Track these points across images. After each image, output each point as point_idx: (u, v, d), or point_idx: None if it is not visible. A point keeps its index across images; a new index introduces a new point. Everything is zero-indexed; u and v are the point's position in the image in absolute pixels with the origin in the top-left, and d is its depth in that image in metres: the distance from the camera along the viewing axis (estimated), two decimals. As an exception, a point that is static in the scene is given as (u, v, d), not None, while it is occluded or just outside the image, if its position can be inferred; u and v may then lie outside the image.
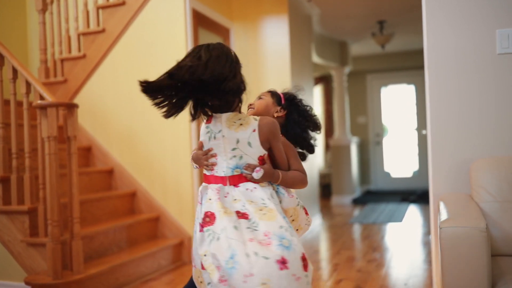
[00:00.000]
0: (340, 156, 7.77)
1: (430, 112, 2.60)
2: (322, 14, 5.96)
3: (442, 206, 2.01)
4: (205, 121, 1.64)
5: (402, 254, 4.01)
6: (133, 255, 3.45)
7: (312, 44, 5.92)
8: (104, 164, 4.22)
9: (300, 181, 1.71)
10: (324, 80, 9.12)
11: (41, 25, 4.48)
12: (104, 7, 4.26)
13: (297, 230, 1.71)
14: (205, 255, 1.52)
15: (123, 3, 4.18)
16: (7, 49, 3.23)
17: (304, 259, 1.49)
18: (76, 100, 4.33)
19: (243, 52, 4.94)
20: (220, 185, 1.59)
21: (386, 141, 9.07)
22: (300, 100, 1.88)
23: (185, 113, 1.63)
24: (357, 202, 7.57)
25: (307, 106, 1.89)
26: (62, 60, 4.41)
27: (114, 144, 4.24)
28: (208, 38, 4.51)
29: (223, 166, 1.59)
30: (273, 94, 1.84)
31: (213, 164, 1.61)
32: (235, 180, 1.59)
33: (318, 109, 9.27)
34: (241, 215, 1.53)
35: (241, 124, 1.58)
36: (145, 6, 4.12)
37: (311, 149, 1.89)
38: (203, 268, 1.53)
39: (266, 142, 1.60)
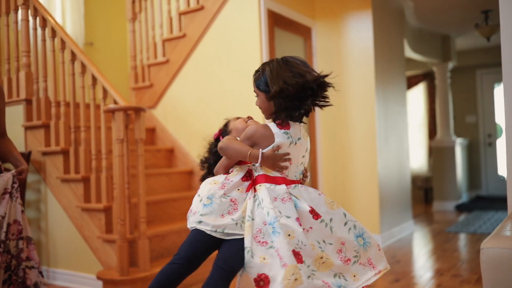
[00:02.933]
0: (443, 159, 7.21)
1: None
2: (415, 6, 5.57)
3: None
4: (277, 125, 1.75)
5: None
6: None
7: (404, 39, 5.55)
8: (184, 165, 4.36)
9: None
10: (428, 77, 8.55)
11: (131, 33, 4.77)
12: (185, 13, 4.40)
13: None
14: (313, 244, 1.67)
15: (201, 8, 4.28)
16: (88, 58, 3.46)
17: None
18: (160, 104, 4.53)
19: (326, 51, 4.79)
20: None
21: (500, 142, 8.23)
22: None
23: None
24: (461, 208, 6.96)
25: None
26: (149, 66, 4.64)
27: (194, 145, 4.35)
28: (286, 38, 4.44)
29: (295, 171, 1.77)
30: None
31: (286, 168, 1.74)
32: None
33: (421, 109, 8.72)
34: (315, 214, 1.70)
35: (307, 135, 1.84)
36: (221, 10, 4.17)
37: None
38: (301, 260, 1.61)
39: None
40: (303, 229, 1.63)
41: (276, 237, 1.59)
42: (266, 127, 1.74)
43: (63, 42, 3.57)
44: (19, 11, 3.80)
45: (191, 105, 4.35)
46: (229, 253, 1.68)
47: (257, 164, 1.73)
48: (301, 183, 1.78)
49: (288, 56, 1.77)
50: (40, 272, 2.38)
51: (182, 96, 4.41)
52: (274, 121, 1.78)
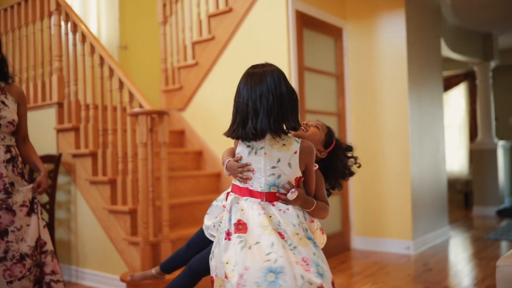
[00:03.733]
0: (483, 162, 6.92)
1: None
2: (453, 4, 5.37)
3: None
4: None
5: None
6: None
7: (441, 38, 5.36)
8: (213, 168, 4.36)
9: (325, 212, 1.75)
10: (469, 77, 8.23)
11: (162, 36, 4.82)
12: (214, 15, 4.40)
13: None
14: (227, 263, 1.57)
15: (230, 10, 4.26)
16: (116, 62, 3.51)
17: (333, 284, 1.56)
18: (189, 106, 4.55)
19: (357, 52, 4.68)
20: (259, 200, 1.63)
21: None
22: (344, 150, 1.96)
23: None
24: (503, 214, 6.66)
25: (349, 157, 1.97)
26: (179, 68, 4.67)
27: (222, 148, 4.34)
28: (316, 39, 4.37)
29: (260, 182, 1.62)
30: (329, 133, 1.91)
31: (248, 178, 1.64)
32: (271, 197, 1.63)
33: (461, 110, 8.42)
34: (238, 229, 1.60)
35: (284, 145, 1.61)
36: (249, 12, 4.14)
37: (331, 190, 1.97)
38: (226, 277, 1.56)
39: (304, 165, 1.64)
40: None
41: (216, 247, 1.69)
42: None
43: (92, 47, 3.64)
44: (52, 17, 3.91)
45: (219, 107, 4.35)
46: (201, 253, 1.91)
47: (226, 174, 1.74)
48: (279, 197, 1.61)
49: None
50: (64, 286, 2.46)
51: (211, 99, 4.42)
52: None
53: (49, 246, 2.43)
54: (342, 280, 3.55)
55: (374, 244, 4.56)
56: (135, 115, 3.10)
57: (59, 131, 3.83)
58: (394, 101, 4.49)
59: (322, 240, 1.80)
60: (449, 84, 8.24)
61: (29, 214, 2.39)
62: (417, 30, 4.70)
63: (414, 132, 4.51)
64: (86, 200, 3.64)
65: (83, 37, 3.69)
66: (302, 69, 4.08)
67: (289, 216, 1.60)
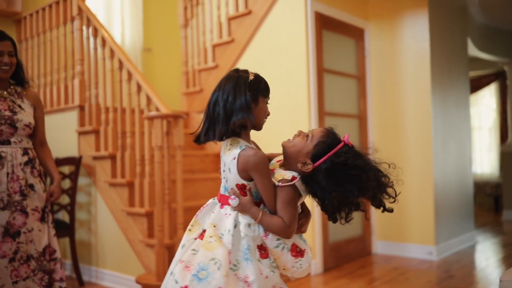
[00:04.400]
0: (514, 165, 6.71)
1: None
2: (481, 2, 5.21)
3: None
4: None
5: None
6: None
7: (468, 38, 5.22)
8: (232, 170, 4.35)
9: (276, 230, 1.50)
10: (501, 77, 7.99)
11: (183, 39, 4.86)
12: (234, 18, 4.40)
13: (284, 269, 1.57)
14: None
15: (249, 13, 4.26)
16: (134, 66, 3.55)
17: None
18: (209, 108, 4.55)
19: (379, 53, 4.60)
20: (214, 199, 1.63)
21: None
22: (347, 166, 1.54)
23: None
24: (535, 219, 6.44)
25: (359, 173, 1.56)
26: (200, 71, 4.70)
27: (241, 150, 4.34)
28: (336, 40, 4.32)
29: (224, 186, 1.59)
30: (318, 144, 1.55)
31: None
32: (223, 200, 1.57)
33: (492, 111, 8.18)
34: (201, 235, 1.55)
35: (229, 149, 1.54)
36: (268, 14, 4.12)
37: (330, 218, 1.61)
38: None
39: (244, 172, 1.51)
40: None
41: None
42: None
43: (112, 51, 3.69)
44: (75, 22, 3.98)
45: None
46: None
47: None
48: (228, 201, 1.55)
49: None
50: None
51: (230, 101, 4.41)
52: None
53: (58, 254, 2.50)
54: (360, 285, 3.49)
55: (396, 248, 4.47)
56: (151, 119, 3.12)
57: (80, 133, 3.90)
58: (417, 103, 4.39)
59: (293, 263, 1.55)
60: (479, 84, 8.01)
61: (41, 220, 2.45)
62: (442, 30, 4.58)
63: (438, 135, 4.40)
64: (106, 201, 3.70)
65: (103, 41, 3.75)
66: (321, 71, 4.04)
67: (227, 221, 1.52)
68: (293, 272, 1.56)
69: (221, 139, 1.55)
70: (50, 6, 4.24)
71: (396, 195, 1.68)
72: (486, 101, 8.25)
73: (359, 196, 1.59)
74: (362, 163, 1.58)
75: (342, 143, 1.57)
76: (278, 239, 1.52)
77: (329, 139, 1.57)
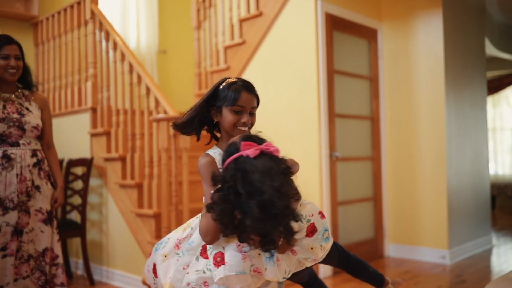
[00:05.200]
0: (537, 167, 6.53)
1: None
2: (500, 1, 5.10)
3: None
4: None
5: None
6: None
7: (486, 37, 5.11)
8: (243, 172, 4.36)
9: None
10: (524, 76, 7.80)
11: (196, 41, 4.89)
12: (245, 20, 4.41)
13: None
14: None
15: (260, 14, 4.26)
16: (144, 69, 3.59)
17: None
18: (221, 110, 4.57)
19: (393, 53, 4.55)
20: None
21: None
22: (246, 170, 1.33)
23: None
24: (557, 222, 6.26)
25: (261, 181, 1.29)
26: (212, 73, 4.72)
27: (252, 152, 4.34)
28: (348, 42, 4.28)
29: None
30: (225, 150, 1.47)
31: None
32: None
33: (515, 111, 7.99)
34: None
35: None
36: (279, 16, 4.12)
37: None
38: None
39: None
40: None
41: None
42: None
43: (122, 54, 3.74)
44: (88, 25, 4.05)
45: (249, 111, 4.34)
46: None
47: None
48: None
49: None
50: None
51: (241, 103, 4.42)
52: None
53: (60, 260, 2.56)
54: (369, 289, 3.45)
55: (408, 252, 4.41)
56: (157, 121, 3.16)
57: (92, 135, 3.97)
58: (431, 104, 4.32)
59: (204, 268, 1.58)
60: (500, 84, 7.84)
61: (45, 222, 2.50)
62: (457, 30, 4.50)
63: (452, 136, 4.32)
64: (116, 202, 3.75)
65: (115, 44, 3.81)
66: (331, 72, 4.01)
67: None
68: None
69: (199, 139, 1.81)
70: (65, 10, 4.33)
71: (292, 235, 1.30)
72: (508, 101, 8.06)
73: (249, 230, 1.32)
74: (250, 182, 1.29)
75: (238, 153, 1.37)
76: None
77: (231, 147, 1.44)
